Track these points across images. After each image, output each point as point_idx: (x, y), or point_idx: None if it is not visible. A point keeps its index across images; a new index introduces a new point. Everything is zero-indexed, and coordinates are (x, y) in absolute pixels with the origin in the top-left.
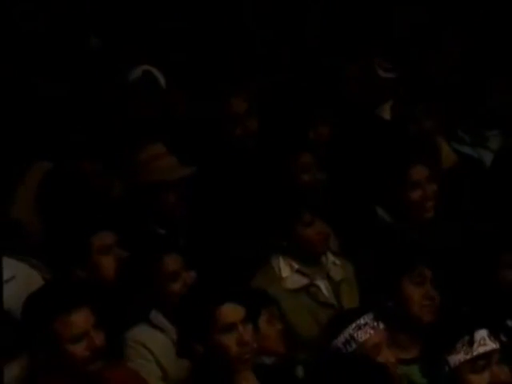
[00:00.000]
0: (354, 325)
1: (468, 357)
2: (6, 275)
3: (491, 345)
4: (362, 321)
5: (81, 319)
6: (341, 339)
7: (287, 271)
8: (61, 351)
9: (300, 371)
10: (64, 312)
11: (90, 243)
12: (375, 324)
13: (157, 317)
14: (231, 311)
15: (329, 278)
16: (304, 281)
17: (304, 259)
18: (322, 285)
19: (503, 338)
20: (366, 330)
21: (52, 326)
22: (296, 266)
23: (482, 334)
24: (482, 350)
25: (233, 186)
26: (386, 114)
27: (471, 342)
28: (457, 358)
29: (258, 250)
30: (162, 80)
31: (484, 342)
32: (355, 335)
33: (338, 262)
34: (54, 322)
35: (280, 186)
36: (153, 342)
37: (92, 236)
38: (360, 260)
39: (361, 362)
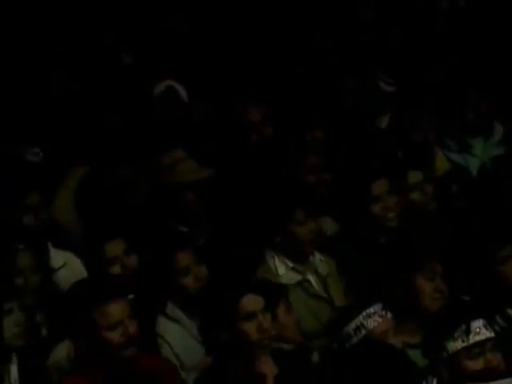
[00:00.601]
0: (364, 313)
1: (464, 344)
2: (58, 263)
3: (485, 334)
4: (371, 310)
5: (117, 309)
6: (352, 326)
7: (283, 269)
8: (99, 337)
9: (316, 357)
10: (103, 303)
11: (102, 254)
12: (383, 313)
13: (173, 309)
14: (252, 301)
15: (317, 273)
16: (298, 277)
17: (296, 257)
18: (312, 279)
19: (503, 325)
20: (374, 319)
21: (91, 316)
22: (290, 265)
23: (477, 324)
24: (477, 338)
25: (243, 186)
26: (385, 124)
27: (468, 331)
28: (454, 345)
29: (255, 247)
30: (183, 93)
31: (479, 331)
32: (365, 323)
33: (323, 258)
34: (93, 312)
35: (278, 186)
36: (169, 334)
37: (104, 245)
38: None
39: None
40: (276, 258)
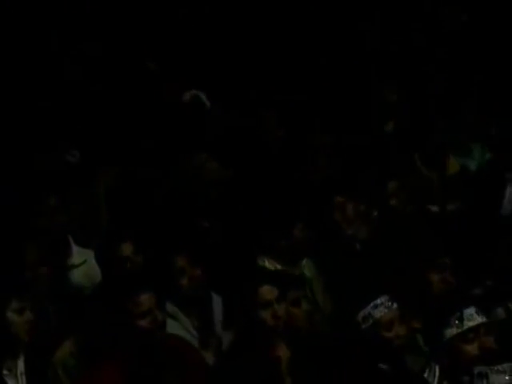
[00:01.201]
0: (371, 304)
1: (459, 330)
2: (78, 260)
3: (478, 319)
4: (378, 301)
5: (147, 300)
6: (360, 315)
7: None
8: (132, 324)
9: (327, 343)
10: (135, 294)
11: (118, 253)
12: (389, 304)
13: (171, 307)
14: (268, 290)
15: (303, 275)
16: None
17: (287, 260)
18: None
19: None
20: (381, 309)
21: (125, 305)
22: (279, 267)
23: (469, 311)
24: (470, 324)
25: (255, 187)
26: (390, 129)
27: (461, 318)
28: (451, 331)
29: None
30: (207, 102)
31: (472, 317)
32: (372, 313)
33: (307, 260)
34: (127, 302)
35: (287, 190)
36: (170, 329)
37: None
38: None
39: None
40: (266, 262)
